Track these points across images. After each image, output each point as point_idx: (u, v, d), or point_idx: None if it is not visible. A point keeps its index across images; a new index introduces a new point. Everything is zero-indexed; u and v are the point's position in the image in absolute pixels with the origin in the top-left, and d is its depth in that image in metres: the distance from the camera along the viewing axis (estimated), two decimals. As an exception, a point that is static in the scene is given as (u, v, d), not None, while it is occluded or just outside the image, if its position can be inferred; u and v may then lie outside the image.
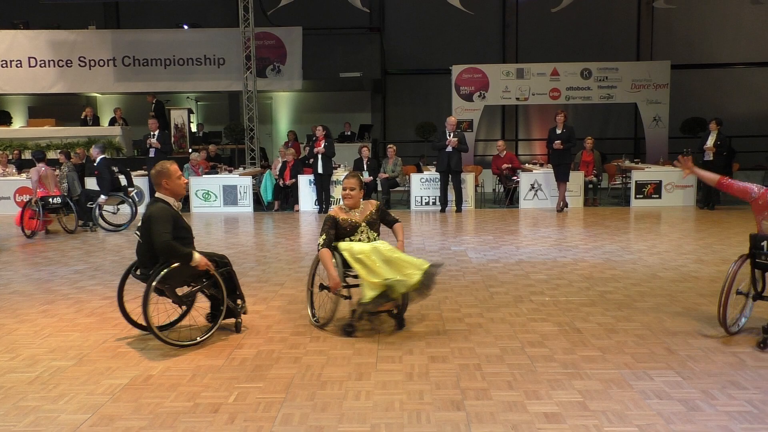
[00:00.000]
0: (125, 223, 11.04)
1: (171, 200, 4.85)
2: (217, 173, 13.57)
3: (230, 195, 12.94)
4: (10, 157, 14.46)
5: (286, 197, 13.14)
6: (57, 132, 15.55)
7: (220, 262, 5.07)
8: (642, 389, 3.88)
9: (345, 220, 5.23)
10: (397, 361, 4.44)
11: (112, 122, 16.39)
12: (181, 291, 4.94)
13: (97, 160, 11.01)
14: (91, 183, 11.99)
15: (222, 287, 4.90)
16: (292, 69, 16.36)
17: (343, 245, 5.10)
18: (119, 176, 11.11)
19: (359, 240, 5.22)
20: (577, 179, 12.86)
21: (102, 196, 10.77)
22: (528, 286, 6.48)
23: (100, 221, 10.87)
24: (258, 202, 13.22)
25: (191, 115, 16.72)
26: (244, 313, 5.23)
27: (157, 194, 4.89)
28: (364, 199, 5.41)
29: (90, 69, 16.24)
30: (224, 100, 18.78)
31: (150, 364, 4.46)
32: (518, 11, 18.90)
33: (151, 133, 12.45)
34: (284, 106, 19.35)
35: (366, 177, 13.02)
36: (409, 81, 19.17)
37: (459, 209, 12.42)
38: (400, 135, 18.40)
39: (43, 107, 17.53)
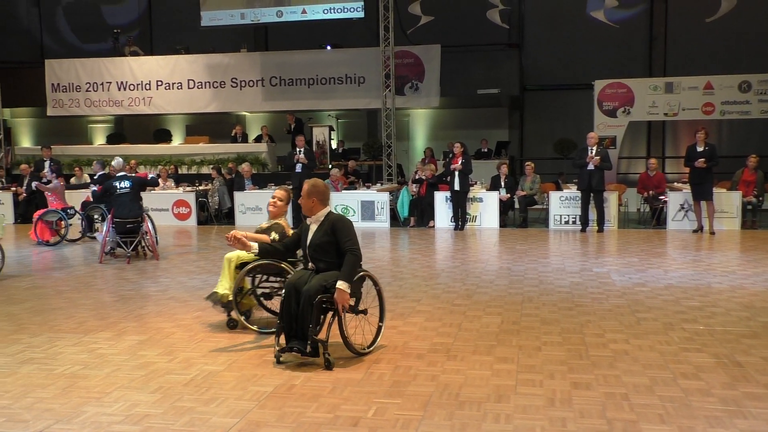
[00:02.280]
0: None
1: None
2: (355, 189, 13.90)
3: (368, 210, 13.20)
4: (169, 171, 15.59)
5: (422, 213, 13.21)
6: (210, 149, 16.62)
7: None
8: (817, 434, 3.50)
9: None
10: (537, 384, 4.30)
11: (258, 139, 17.28)
12: None
13: (97, 174, 11.87)
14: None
15: None
16: (429, 86, 16.49)
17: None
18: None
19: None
20: (734, 200, 11.98)
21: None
22: (679, 313, 6.07)
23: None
24: (394, 218, 13.39)
25: (332, 132, 17.26)
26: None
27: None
28: None
29: (240, 89, 17.22)
30: (363, 117, 19.25)
31: (292, 373, 4.60)
32: (668, 22, 17.97)
33: (298, 149, 12.98)
34: (421, 122, 19.53)
35: (503, 194, 12.84)
36: (549, 97, 18.75)
37: (601, 229, 11.92)
38: (538, 152, 18.01)
39: (199, 125, 18.81)
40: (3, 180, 15.62)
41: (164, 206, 14.08)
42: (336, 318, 4.72)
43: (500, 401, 4.03)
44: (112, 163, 10.39)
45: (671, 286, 7.27)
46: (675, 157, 18.31)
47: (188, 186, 14.88)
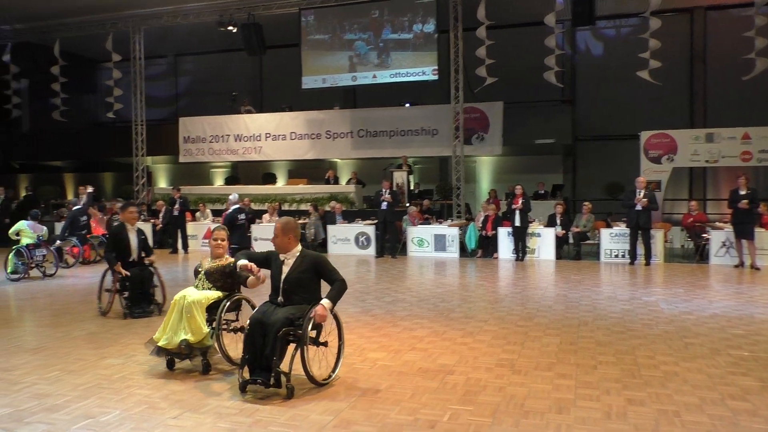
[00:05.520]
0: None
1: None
2: (429, 224, 13.90)
3: (440, 242, 13.15)
4: (275, 208, 16.00)
5: (487, 246, 13.03)
6: (307, 189, 17.00)
7: None
8: None
9: (200, 265, 5.19)
10: (594, 399, 4.13)
11: (348, 182, 17.56)
12: None
13: (73, 208, 12.17)
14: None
15: None
16: (493, 137, 16.39)
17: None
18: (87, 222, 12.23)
19: (196, 285, 5.09)
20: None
21: (58, 241, 11.51)
22: (724, 340, 5.72)
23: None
24: (463, 249, 13.26)
25: (410, 175, 17.32)
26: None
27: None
28: None
29: (333, 140, 17.61)
30: (436, 163, 19.28)
31: (377, 380, 4.59)
32: (706, 79, 17.33)
33: (384, 190, 13.12)
34: (486, 168, 19.40)
35: (559, 231, 12.54)
36: (598, 145, 18.28)
37: (648, 263, 11.42)
38: (588, 194, 17.49)
39: (298, 170, 19.29)
40: (145, 213, 16.45)
41: (269, 236, 14.42)
42: (299, 350, 4.24)
43: (561, 413, 3.90)
44: (229, 197, 10.64)
45: (716, 315, 6.87)
46: (715, 199, 17.46)
47: (290, 220, 15.22)
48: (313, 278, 4.47)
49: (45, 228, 10.58)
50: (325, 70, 16.43)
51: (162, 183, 21.45)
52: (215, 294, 4.94)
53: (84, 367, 4.96)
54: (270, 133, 18.12)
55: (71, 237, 11.77)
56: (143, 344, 5.03)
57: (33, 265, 10.12)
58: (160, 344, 4.73)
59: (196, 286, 5.06)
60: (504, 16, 15.90)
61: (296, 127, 17.88)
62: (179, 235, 14.24)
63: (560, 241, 12.60)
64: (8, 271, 9.98)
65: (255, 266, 4.54)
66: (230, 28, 16.39)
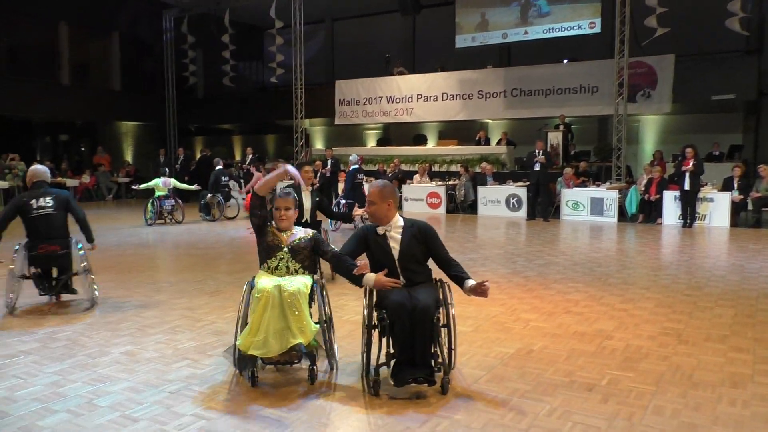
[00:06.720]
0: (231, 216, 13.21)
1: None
2: (586, 186, 13.25)
3: (597, 206, 12.51)
4: (426, 168, 16.19)
5: (650, 211, 12.17)
6: (457, 150, 16.96)
7: None
8: None
9: (273, 236, 3.94)
10: (777, 377, 3.76)
11: (498, 143, 17.22)
12: None
13: (216, 168, 13.25)
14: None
15: None
16: (662, 93, 15.07)
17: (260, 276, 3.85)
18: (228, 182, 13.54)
19: (276, 266, 3.85)
20: None
21: (209, 195, 12.90)
22: None
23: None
24: (622, 214, 12.52)
25: (571, 136, 16.57)
26: None
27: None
28: None
29: (486, 100, 17.29)
30: (594, 123, 18.21)
31: (530, 340, 4.55)
32: None
33: (537, 150, 12.73)
34: (651, 127, 17.95)
35: (735, 195, 11.34)
36: (790, 101, 16.07)
37: None
38: (775, 156, 15.55)
39: (449, 131, 19.27)
40: (302, 173, 17.47)
41: (420, 197, 14.72)
42: (447, 336, 3.64)
43: (736, 387, 3.61)
44: (350, 158, 12.12)
45: None
46: None
47: (440, 181, 15.38)
48: (424, 251, 3.72)
49: (173, 180, 12.39)
50: (477, 28, 16.15)
51: (318, 144, 22.56)
52: (309, 279, 3.84)
53: (256, 309, 5.46)
54: (422, 95, 18.22)
55: (217, 194, 13.06)
56: (222, 353, 4.14)
57: (166, 213, 12.17)
58: (252, 352, 3.58)
59: (278, 267, 3.86)
60: (680, -43, 14.40)
61: (448, 87, 17.79)
62: (332, 195, 14.97)
63: (737, 208, 11.41)
64: (146, 217, 11.98)
65: (396, 281, 3.59)
66: (385, -11, 16.57)
